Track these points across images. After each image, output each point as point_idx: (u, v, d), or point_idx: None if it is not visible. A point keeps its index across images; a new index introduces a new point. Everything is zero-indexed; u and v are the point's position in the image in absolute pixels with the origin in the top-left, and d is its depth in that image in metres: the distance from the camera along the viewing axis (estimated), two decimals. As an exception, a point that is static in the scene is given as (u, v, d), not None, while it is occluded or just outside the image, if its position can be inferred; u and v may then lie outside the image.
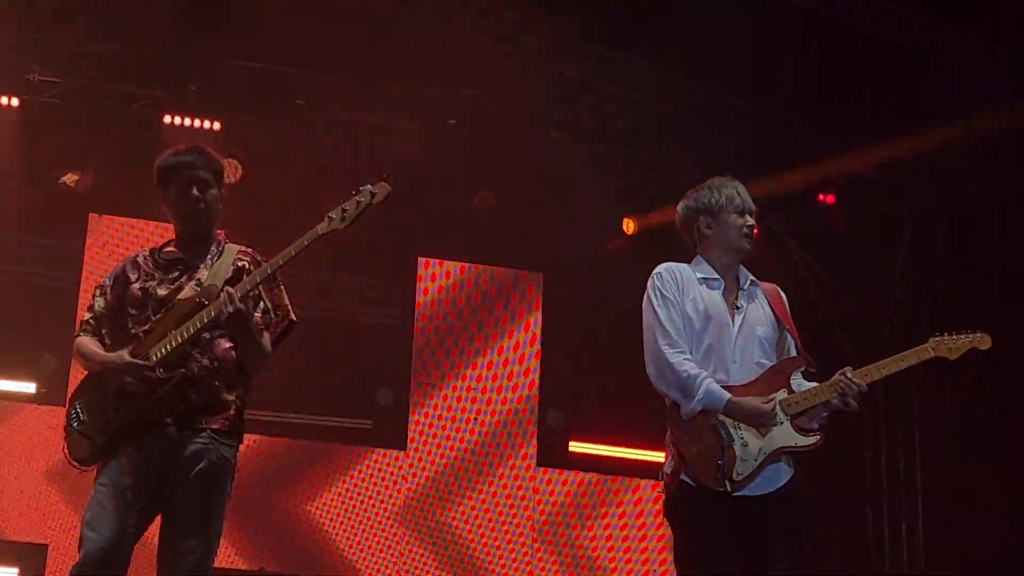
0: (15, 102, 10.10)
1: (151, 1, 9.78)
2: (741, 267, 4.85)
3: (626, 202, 10.69)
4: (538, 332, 11.06)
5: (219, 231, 4.85)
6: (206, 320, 4.50)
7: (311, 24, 9.57)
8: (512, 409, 10.98)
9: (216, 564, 11.23)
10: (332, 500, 10.61)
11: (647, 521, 10.81)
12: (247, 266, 4.72)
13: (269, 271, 4.56)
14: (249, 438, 10.94)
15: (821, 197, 10.95)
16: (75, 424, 4.66)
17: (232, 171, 10.37)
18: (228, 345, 4.63)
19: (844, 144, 10.33)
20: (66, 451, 4.70)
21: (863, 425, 10.89)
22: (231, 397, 4.65)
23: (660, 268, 4.80)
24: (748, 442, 4.55)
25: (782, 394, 4.60)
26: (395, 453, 10.80)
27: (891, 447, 11.28)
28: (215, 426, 4.59)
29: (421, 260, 11.05)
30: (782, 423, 4.57)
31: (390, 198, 4.54)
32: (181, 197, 4.68)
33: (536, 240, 10.90)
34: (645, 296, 4.76)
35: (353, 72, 10.20)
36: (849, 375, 4.60)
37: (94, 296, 4.83)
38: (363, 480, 10.70)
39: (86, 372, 4.76)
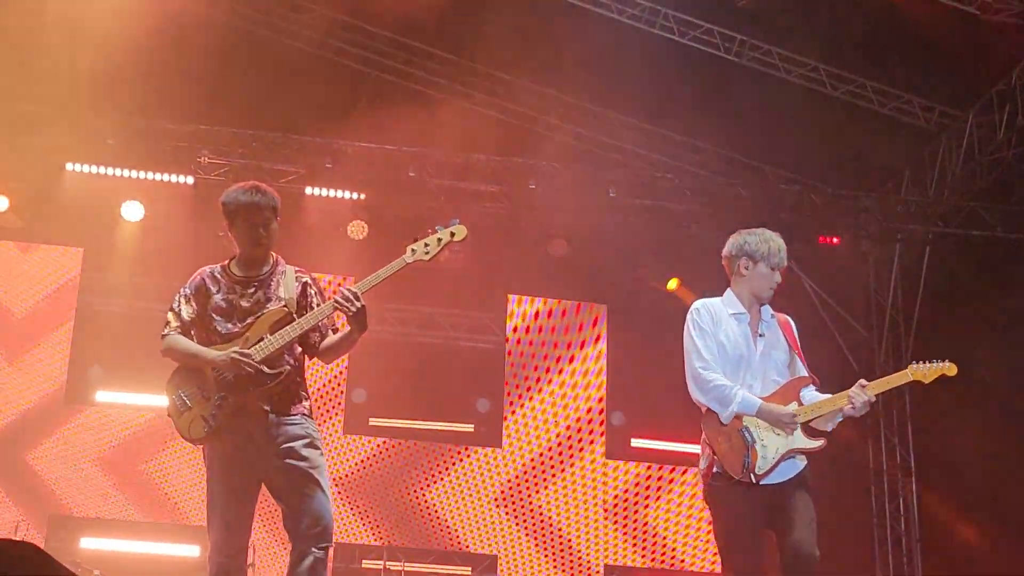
0: (190, 180, 10.27)
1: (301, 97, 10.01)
2: None
3: (670, 251, 10.67)
4: (603, 351, 11.08)
5: (274, 253, 4.65)
6: (305, 327, 4.38)
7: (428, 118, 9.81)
8: (585, 413, 11.00)
9: (351, 540, 11.32)
10: (444, 488, 10.68)
11: (694, 502, 10.75)
12: (308, 281, 4.61)
13: (369, 286, 4.40)
14: (377, 440, 11.07)
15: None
16: (182, 409, 4.41)
17: (359, 230, 10.56)
18: (300, 350, 4.54)
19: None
20: (181, 432, 4.41)
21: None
22: (303, 392, 4.54)
23: (697, 304, 4.74)
24: (767, 444, 4.55)
25: (793, 406, 4.60)
26: (493, 450, 10.85)
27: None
28: (303, 411, 4.48)
29: (511, 296, 11.13)
30: (795, 429, 4.60)
31: (467, 238, 4.41)
32: (250, 233, 4.50)
33: (601, 279, 10.93)
34: (685, 327, 4.70)
35: (453, 150, 10.35)
36: (865, 385, 4.60)
37: (179, 303, 4.54)
38: (468, 472, 10.76)
39: (179, 365, 4.47)
